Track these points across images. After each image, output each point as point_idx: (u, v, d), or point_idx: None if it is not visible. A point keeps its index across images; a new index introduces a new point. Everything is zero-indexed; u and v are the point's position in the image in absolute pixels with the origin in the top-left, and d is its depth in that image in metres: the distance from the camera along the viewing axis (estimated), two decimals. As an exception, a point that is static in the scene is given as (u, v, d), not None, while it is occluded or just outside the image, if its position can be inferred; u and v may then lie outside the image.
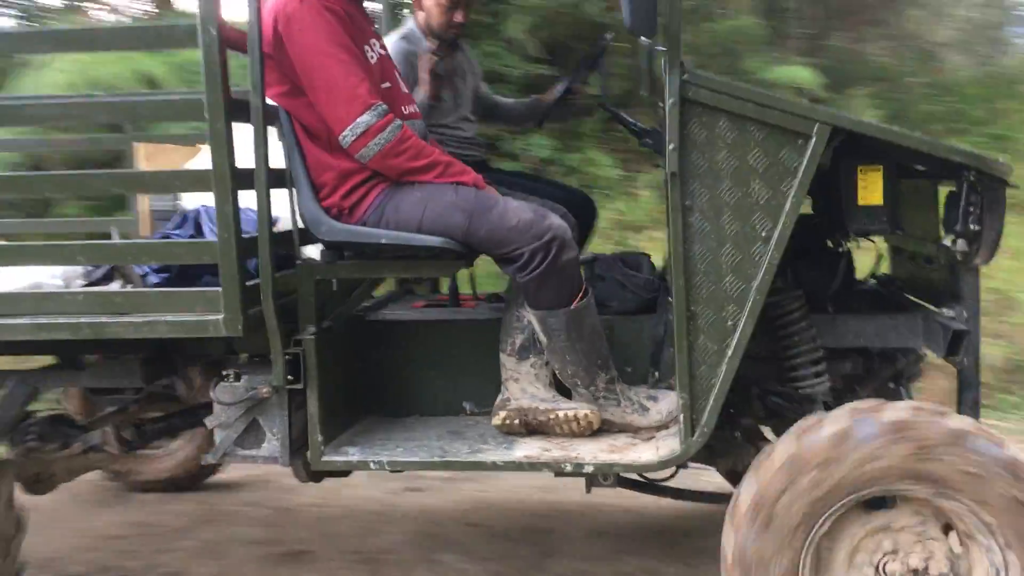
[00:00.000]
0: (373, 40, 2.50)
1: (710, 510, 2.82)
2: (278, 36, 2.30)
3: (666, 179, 2.18)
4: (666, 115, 2.11)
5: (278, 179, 2.32)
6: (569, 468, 2.28)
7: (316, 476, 2.57)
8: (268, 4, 2.34)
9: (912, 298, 2.70)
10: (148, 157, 3.70)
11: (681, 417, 2.21)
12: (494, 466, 2.31)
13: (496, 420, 2.47)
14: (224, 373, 2.39)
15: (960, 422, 2.08)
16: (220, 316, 2.21)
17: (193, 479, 4.02)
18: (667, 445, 2.32)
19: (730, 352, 2.19)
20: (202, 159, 3.10)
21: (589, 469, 2.27)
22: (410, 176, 2.36)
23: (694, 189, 2.16)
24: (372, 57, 2.43)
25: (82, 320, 2.26)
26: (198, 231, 2.60)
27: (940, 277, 2.51)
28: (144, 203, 3.57)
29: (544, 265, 2.28)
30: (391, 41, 3.01)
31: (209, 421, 2.42)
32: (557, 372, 2.46)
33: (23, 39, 2.72)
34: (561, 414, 2.41)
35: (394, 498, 3.78)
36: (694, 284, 2.18)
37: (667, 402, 2.46)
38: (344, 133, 2.28)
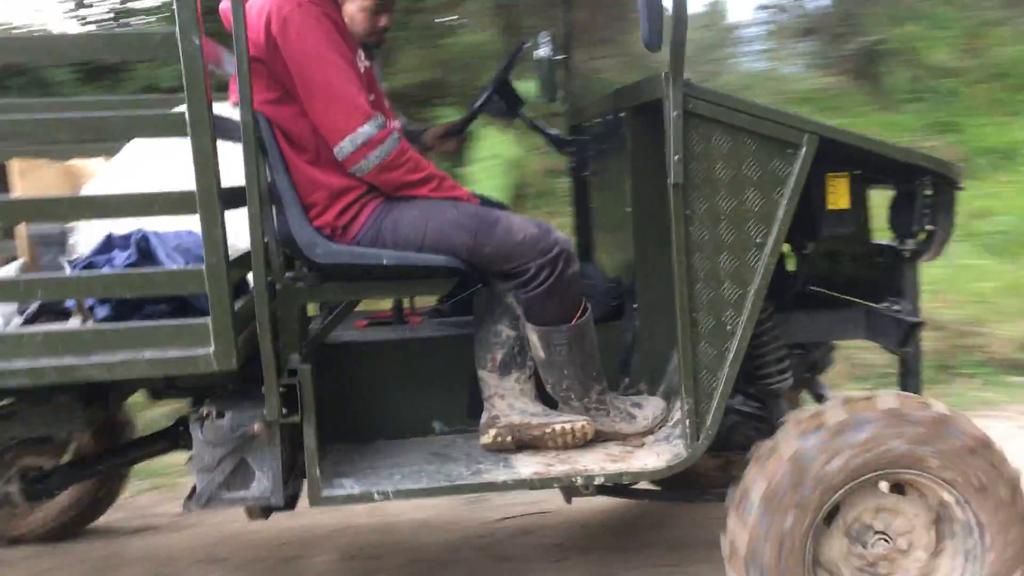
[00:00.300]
0: (359, 50, 2.39)
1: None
2: (271, 39, 2.15)
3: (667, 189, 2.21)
4: (670, 127, 2.14)
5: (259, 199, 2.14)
6: (580, 481, 2.27)
7: (267, 513, 2.43)
8: (253, 7, 2.17)
9: (832, 293, 2.89)
10: (22, 174, 3.32)
11: (687, 422, 2.26)
12: (505, 486, 2.27)
13: (486, 439, 2.42)
14: (204, 412, 2.19)
15: (941, 407, 2.26)
16: (210, 349, 2.03)
17: (73, 527, 3.67)
18: (669, 450, 2.35)
19: (730, 357, 2.26)
20: (108, 177, 2.79)
21: (600, 480, 2.27)
22: (406, 190, 2.27)
23: (693, 199, 2.21)
24: (360, 68, 2.32)
25: (45, 364, 2.01)
26: (144, 257, 2.35)
27: (872, 274, 2.71)
28: (22, 226, 3.20)
29: (551, 280, 2.25)
30: None
31: (190, 465, 2.22)
32: (550, 386, 2.44)
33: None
34: (558, 427, 2.39)
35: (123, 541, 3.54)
36: (695, 292, 2.23)
37: (651, 408, 2.50)
38: (342, 143, 2.17)
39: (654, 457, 2.35)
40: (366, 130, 2.18)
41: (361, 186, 2.26)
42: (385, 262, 2.24)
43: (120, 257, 2.38)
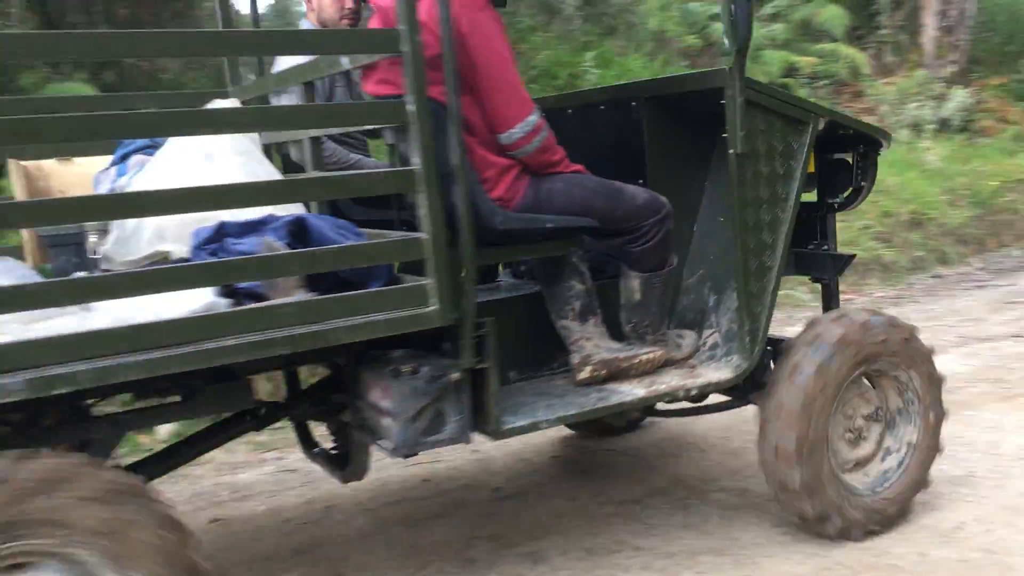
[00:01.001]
0: None
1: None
2: (460, 37, 2.52)
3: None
4: (736, 110, 2.81)
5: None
6: (682, 394, 2.94)
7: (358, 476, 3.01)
8: (424, 6, 2.47)
9: None
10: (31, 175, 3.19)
11: (746, 340, 2.96)
12: (633, 404, 2.87)
13: (583, 375, 2.94)
14: (404, 368, 2.50)
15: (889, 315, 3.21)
16: (435, 307, 2.40)
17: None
18: (727, 365, 3.04)
19: (770, 288, 3.01)
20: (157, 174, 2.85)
21: (695, 391, 2.95)
22: (551, 168, 2.77)
23: (744, 166, 2.91)
24: None
25: (301, 331, 2.25)
26: (296, 238, 2.53)
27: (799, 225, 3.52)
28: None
29: (658, 236, 2.87)
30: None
31: (387, 420, 2.52)
32: (633, 324, 3.02)
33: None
34: (643, 357, 2.98)
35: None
36: (748, 239, 2.94)
37: (689, 339, 3.17)
38: (513, 130, 2.63)
39: (717, 372, 3.02)
40: (533, 118, 2.66)
41: (516, 164, 2.73)
42: (548, 226, 2.74)
43: (249, 242, 2.50)
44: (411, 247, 2.41)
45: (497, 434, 2.65)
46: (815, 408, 2.94)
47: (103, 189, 2.95)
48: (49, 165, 3.17)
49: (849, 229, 7.51)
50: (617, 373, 2.98)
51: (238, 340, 2.19)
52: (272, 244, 2.41)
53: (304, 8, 3.66)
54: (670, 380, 2.98)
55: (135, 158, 2.96)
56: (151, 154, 2.89)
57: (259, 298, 2.39)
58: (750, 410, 3.26)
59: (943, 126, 10.43)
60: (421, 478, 4.02)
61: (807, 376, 2.93)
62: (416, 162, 2.39)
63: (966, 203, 8.82)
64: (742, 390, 3.19)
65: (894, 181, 8.59)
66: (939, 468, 3.37)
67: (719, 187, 3.18)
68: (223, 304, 2.32)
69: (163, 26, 7.59)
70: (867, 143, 3.32)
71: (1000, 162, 9.62)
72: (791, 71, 10.41)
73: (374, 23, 2.87)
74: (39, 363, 1.99)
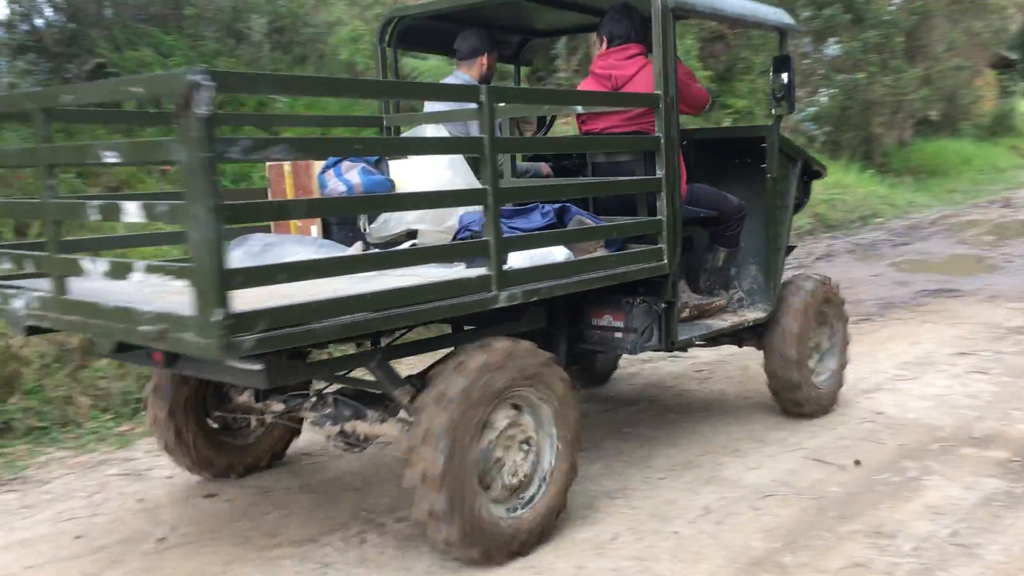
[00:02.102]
0: None
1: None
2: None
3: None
4: (774, 148, 4.50)
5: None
6: (744, 324, 4.62)
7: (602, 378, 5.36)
8: (629, 65, 4.22)
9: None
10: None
11: (771, 292, 4.68)
12: (729, 328, 4.55)
13: (684, 314, 4.41)
14: (631, 301, 3.99)
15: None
16: (665, 262, 3.96)
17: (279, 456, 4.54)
18: (756, 310, 4.74)
19: (782, 258, 4.73)
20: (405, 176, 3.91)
21: (751, 322, 4.64)
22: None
23: (774, 184, 4.58)
24: None
25: (611, 272, 3.72)
26: (558, 219, 3.78)
27: None
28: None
29: (739, 226, 4.50)
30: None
31: (620, 334, 4.02)
32: (711, 282, 4.69)
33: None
34: (717, 303, 4.63)
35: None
36: (773, 229, 4.60)
37: (725, 296, 4.75)
38: None
39: (754, 313, 4.75)
40: None
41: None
42: (702, 215, 4.41)
43: (537, 219, 3.77)
44: (655, 225, 3.96)
45: (675, 345, 4.20)
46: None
47: (332, 185, 3.90)
48: (291, 164, 4.05)
49: None
50: (701, 313, 4.52)
51: (581, 277, 3.61)
52: (583, 220, 3.65)
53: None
54: (731, 318, 4.65)
55: (345, 163, 3.91)
56: (356, 161, 3.90)
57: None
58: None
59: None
60: (74, 535, 3.79)
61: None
62: (660, 173, 3.85)
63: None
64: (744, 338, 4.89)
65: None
66: (600, 483, 4.10)
67: (752, 196, 4.68)
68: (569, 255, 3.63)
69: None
70: (811, 174, 5.12)
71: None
72: None
73: (588, 85, 4.42)
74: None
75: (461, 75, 4.67)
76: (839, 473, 4.21)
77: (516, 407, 3.36)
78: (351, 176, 3.83)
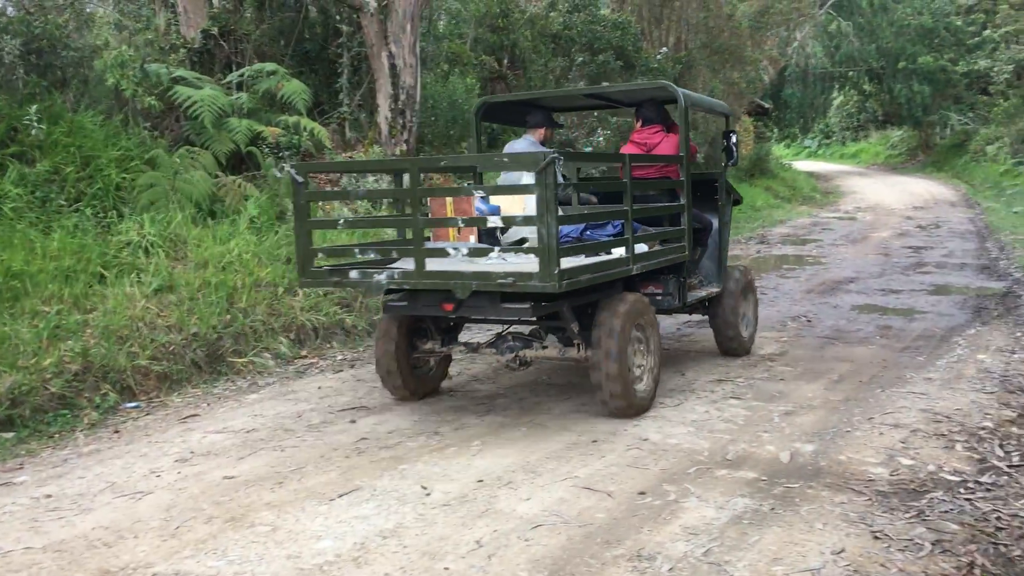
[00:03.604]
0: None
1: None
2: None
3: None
4: (723, 184, 7.36)
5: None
6: (711, 295, 7.31)
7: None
8: (657, 137, 6.97)
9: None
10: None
11: (719, 275, 7.42)
12: (709, 296, 7.25)
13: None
14: (667, 277, 6.63)
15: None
16: (687, 254, 6.68)
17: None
18: (713, 286, 7.35)
19: (727, 251, 7.52)
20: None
21: (711, 295, 7.32)
22: None
23: (724, 205, 7.46)
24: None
25: (659, 259, 6.23)
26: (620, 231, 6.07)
27: None
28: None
29: (708, 234, 7.25)
30: (527, 145, 6.75)
31: (660, 297, 6.60)
32: (690, 270, 7.05)
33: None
34: (694, 282, 7.17)
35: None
36: (724, 233, 7.44)
37: (697, 278, 7.31)
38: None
39: (713, 289, 7.27)
40: None
41: None
42: (697, 227, 6.85)
43: (609, 229, 6.12)
44: (682, 232, 6.48)
45: (686, 305, 6.80)
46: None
47: (477, 203, 5.69)
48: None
49: (314, 295, 8.40)
50: (690, 288, 6.89)
51: (659, 259, 6.14)
52: (647, 230, 6.29)
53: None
54: (703, 291, 7.16)
55: (479, 198, 5.65)
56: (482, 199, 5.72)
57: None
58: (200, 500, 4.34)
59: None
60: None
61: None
62: (683, 200, 6.46)
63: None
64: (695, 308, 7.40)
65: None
66: (372, 522, 4.09)
67: (708, 214, 7.23)
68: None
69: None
70: (736, 202, 7.91)
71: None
72: (256, 140, 10.63)
73: (628, 149, 6.99)
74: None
75: (529, 138, 6.81)
76: (606, 500, 4.36)
77: (638, 329, 5.77)
78: (481, 204, 5.66)
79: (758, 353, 7.58)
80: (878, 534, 3.92)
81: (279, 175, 10.09)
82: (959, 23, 34.38)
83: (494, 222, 5.27)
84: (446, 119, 13.94)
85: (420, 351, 6.17)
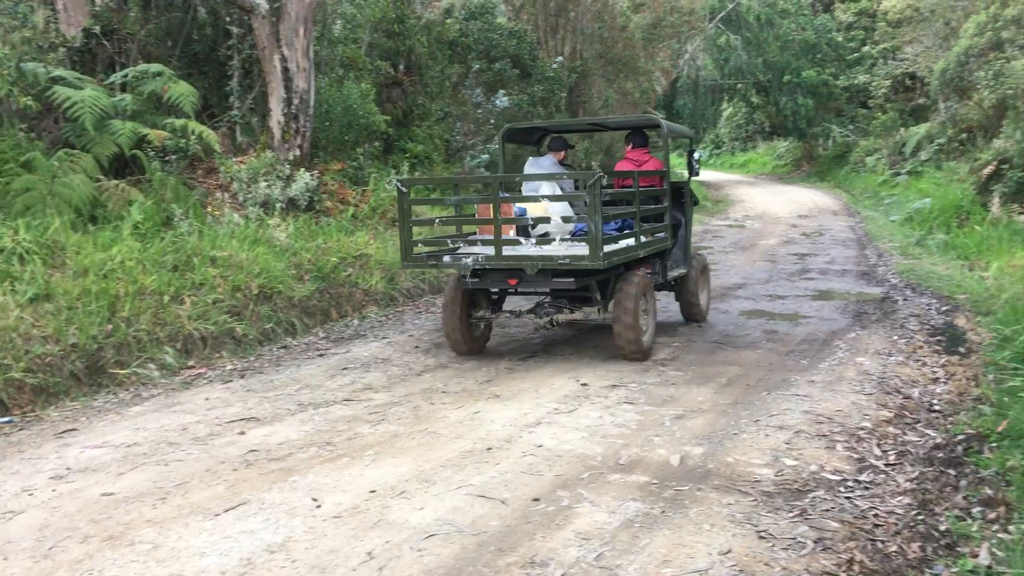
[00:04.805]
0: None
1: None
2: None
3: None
4: (688, 192, 9.18)
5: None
6: (682, 274, 9.26)
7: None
8: (641, 158, 8.90)
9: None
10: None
11: (686, 260, 9.18)
12: (677, 276, 9.17)
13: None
14: (655, 260, 8.62)
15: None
16: (670, 242, 9.06)
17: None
18: (683, 269, 9.14)
19: (690, 245, 9.48)
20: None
21: (681, 275, 9.24)
22: None
23: (689, 208, 9.28)
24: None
25: (651, 248, 8.23)
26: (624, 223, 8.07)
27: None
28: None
29: (680, 228, 9.20)
30: (550, 163, 8.80)
31: (652, 275, 8.48)
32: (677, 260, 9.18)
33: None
34: (670, 264, 8.93)
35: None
36: (688, 229, 9.21)
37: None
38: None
39: (683, 271, 9.09)
40: None
41: None
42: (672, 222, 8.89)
43: (614, 225, 8.39)
44: (666, 227, 8.42)
45: (668, 281, 8.82)
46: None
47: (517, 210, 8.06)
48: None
49: (202, 303, 8.21)
50: (668, 269, 8.76)
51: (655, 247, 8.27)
52: (642, 225, 8.05)
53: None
54: (676, 272, 8.90)
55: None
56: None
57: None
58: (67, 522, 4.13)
59: (290, 205, 11.50)
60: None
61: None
62: (666, 203, 8.52)
63: (311, 277, 9.69)
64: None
65: (244, 256, 9.16)
66: (260, 537, 3.95)
67: (678, 213, 9.01)
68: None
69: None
70: (695, 203, 9.70)
71: (341, 240, 10.97)
72: (141, 143, 10.41)
73: (623, 166, 8.99)
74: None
75: (551, 157, 8.82)
76: (500, 507, 4.35)
77: (644, 297, 7.61)
78: (516, 208, 8.00)
79: (651, 359, 7.69)
80: (763, 534, 4.01)
81: (163, 177, 9.74)
82: (840, 39, 35.77)
83: (554, 215, 7.65)
84: (341, 124, 13.70)
85: (475, 317, 8.14)
